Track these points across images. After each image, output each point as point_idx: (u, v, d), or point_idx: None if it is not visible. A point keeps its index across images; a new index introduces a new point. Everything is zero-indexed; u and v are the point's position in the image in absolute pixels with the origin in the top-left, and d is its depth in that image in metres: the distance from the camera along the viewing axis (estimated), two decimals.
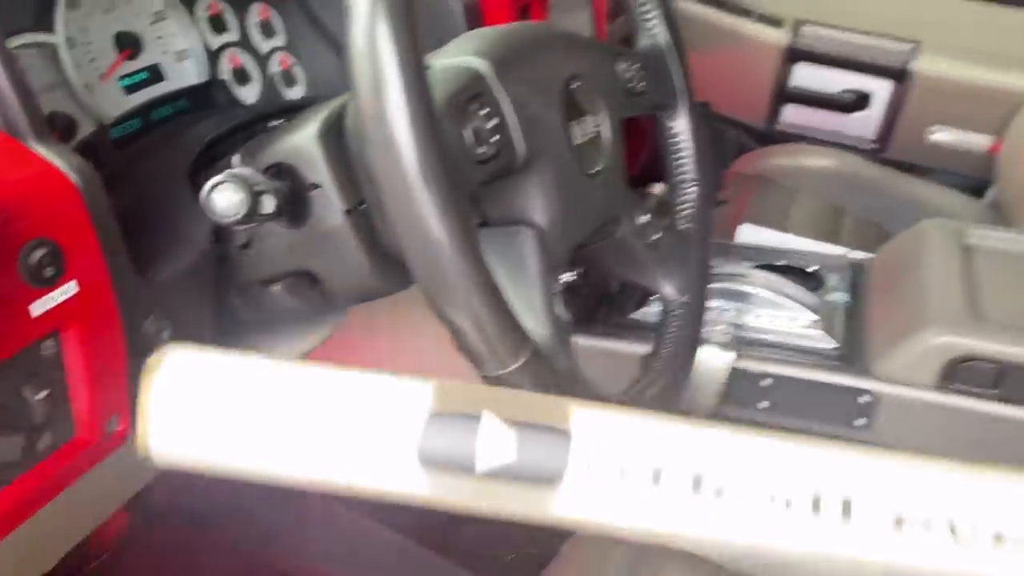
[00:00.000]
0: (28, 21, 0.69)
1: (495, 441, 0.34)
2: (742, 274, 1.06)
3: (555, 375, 0.62)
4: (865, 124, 1.71)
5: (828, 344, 0.99)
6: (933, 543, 0.32)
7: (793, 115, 1.75)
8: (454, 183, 0.54)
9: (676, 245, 0.85)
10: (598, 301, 1.06)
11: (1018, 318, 0.93)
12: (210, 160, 0.72)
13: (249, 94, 0.86)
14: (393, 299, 0.71)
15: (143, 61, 0.78)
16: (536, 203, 0.69)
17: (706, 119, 0.92)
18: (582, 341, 0.99)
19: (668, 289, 0.84)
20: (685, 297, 0.84)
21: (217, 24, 0.84)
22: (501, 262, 0.65)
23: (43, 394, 0.54)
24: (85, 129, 0.71)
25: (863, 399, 0.95)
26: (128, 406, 0.61)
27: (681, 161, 0.88)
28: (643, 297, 1.04)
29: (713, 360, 0.96)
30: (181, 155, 0.73)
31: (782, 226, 1.35)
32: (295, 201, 0.65)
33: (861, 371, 0.96)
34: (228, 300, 0.72)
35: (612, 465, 0.33)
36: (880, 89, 1.67)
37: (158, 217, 0.68)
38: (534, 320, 0.64)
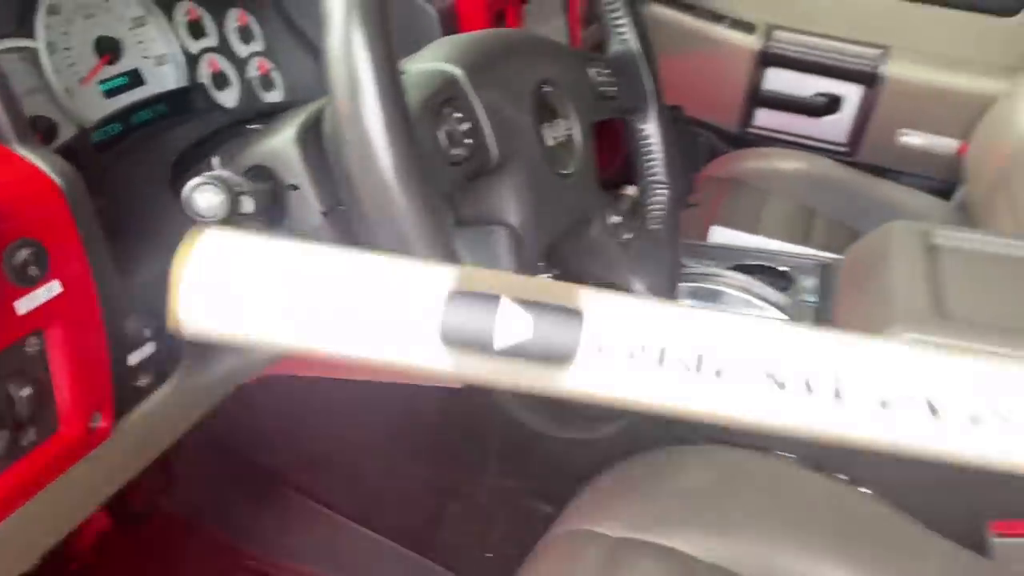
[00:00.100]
0: (9, 27, 0.70)
1: (513, 319, 0.36)
2: (714, 274, 1.08)
3: None
4: (836, 128, 1.73)
5: None
6: (915, 421, 0.34)
7: (765, 119, 1.77)
8: (429, 183, 0.56)
9: (647, 245, 0.87)
10: None
11: (982, 316, 0.94)
12: (190, 163, 0.73)
13: (228, 98, 0.87)
14: None
15: (123, 66, 0.79)
16: (509, 203, 0.71)
17: (679, 123, 0.94)
18: None
19: (639, 287, 0.86)
20: (656, 295, 0.86)
21: (196, 30, 0.85)
22: (475, 261, 0.67)
23: (27, 391, 0.55)
24: (66, 133, 0.72)
25: None
26: (110, 403, 0.62)
27: (651, 164, 0.90)
28: None
29: None
30: (162, 158, 0.74)
31: (754, 228, 1.37)
32: (274, 202, 0.66)
33: None
34: None
35: (620, 344, 0.35)
36: (850, 93, 1.69)
37: (139, 218, 0.69)
38: None
